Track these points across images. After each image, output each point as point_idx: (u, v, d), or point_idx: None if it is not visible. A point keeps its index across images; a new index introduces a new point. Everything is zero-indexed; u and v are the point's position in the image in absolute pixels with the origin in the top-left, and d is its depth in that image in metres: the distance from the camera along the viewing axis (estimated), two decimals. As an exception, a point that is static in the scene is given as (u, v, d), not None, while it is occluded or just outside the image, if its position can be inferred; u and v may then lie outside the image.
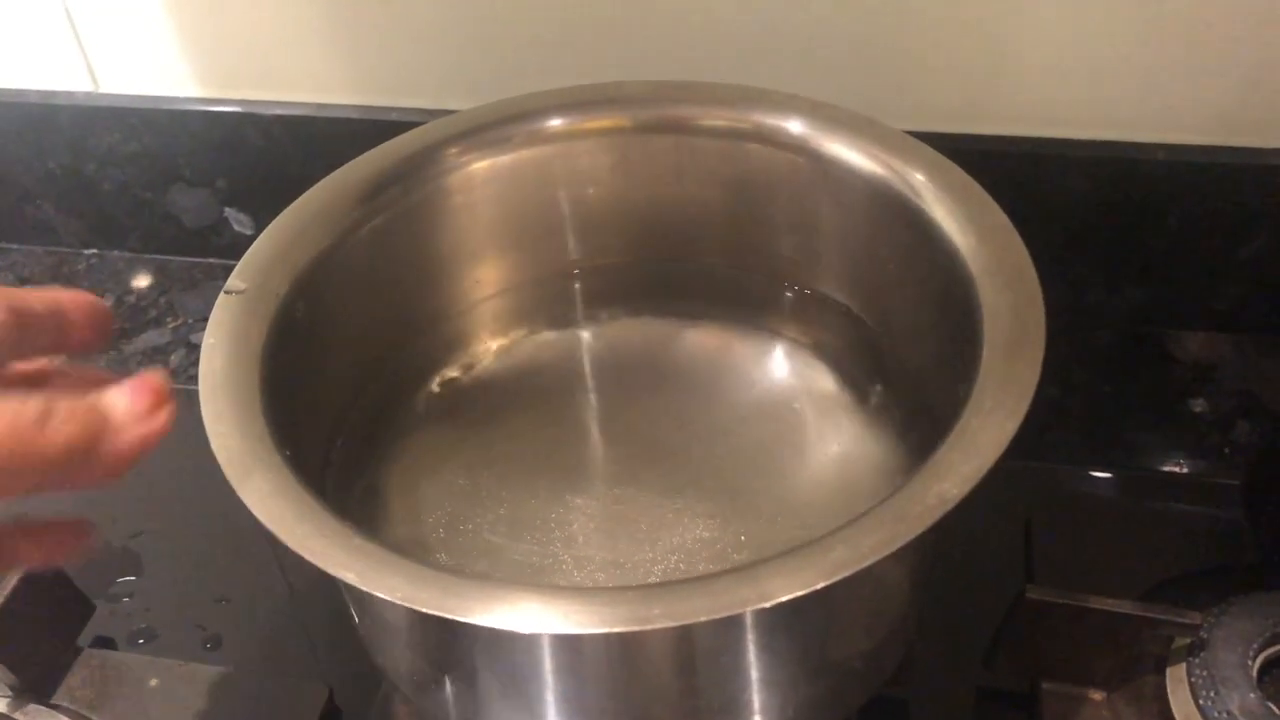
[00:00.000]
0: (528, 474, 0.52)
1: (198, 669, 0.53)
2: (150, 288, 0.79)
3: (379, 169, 0.52)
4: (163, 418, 0.33)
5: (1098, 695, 0.49)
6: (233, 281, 0.47)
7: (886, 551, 0.34)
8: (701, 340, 0.57)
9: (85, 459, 0.31)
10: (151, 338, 0.75)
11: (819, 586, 0.33)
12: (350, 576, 0.35)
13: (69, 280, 0.79)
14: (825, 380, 0.55)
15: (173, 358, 0.73)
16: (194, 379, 0.43)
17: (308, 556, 0.36)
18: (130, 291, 0.79)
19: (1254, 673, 0.46)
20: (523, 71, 0.65)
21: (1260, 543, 0.55)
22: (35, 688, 0.52)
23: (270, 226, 0.49)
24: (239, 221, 0.77)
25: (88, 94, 0.74)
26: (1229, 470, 0.60)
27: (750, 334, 0.57)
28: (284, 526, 0.37)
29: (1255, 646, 0.46)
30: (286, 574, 0.59)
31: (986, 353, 0.40)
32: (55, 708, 0.52)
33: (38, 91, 0.74)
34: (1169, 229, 0.64)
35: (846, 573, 0.33)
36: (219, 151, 0.73)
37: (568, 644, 0.38)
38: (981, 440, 0.37)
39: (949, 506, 0.35)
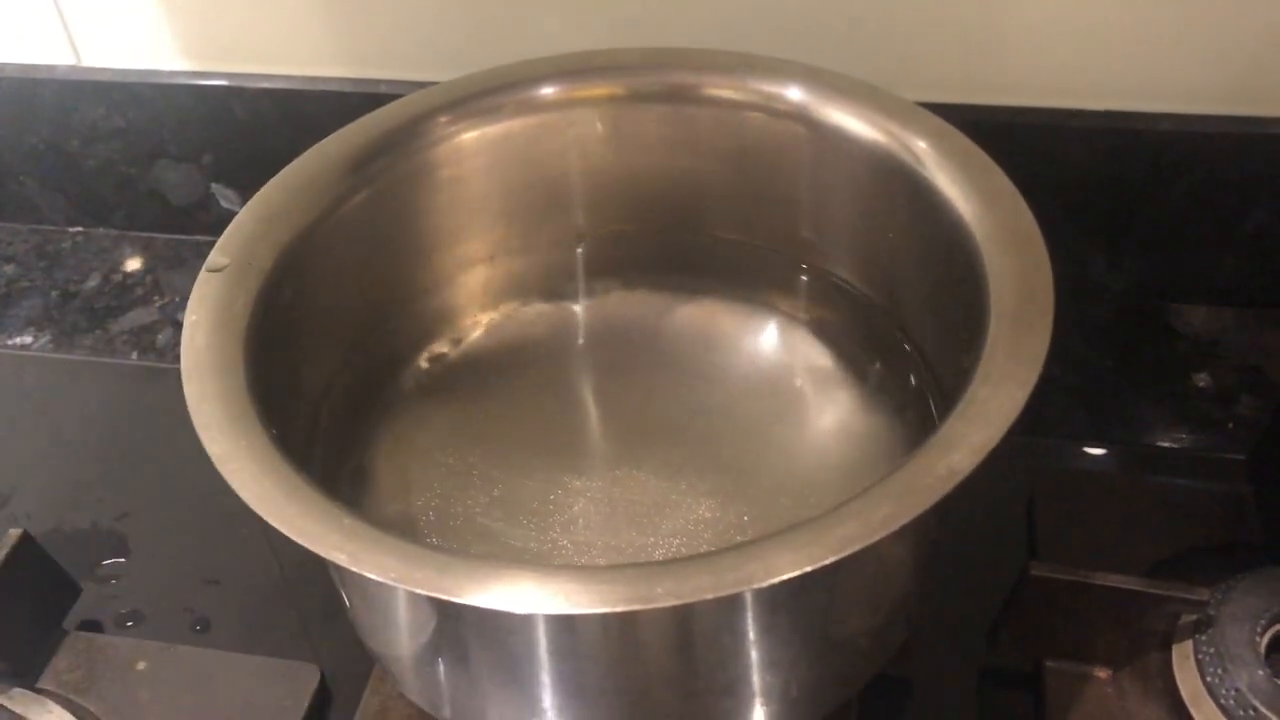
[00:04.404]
0: (521, 453, 0.51)
1: (186, 652, 0.53)
2: (137, 266, 0.78)
3: (365, 140, 0.51)
4: None
5: (1103, 673, 0.49)
6: (214, 257, 0.46)
7: (896, 525, 0.33)
8: (698, 315, 0.57)
9: None
10: (138, 316, 0.74)
11: (827, 562, 0.32)
12: (342, 558, 0.34)
13: (54, 259, 0.78)
14: (825, 355, 0.54)
15: (159, 337, 0.72)
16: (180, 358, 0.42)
17: (297, 538, 0.35)
18: (116, 270, 0.77)
19: (1262, 649, 0.45)
20: (514, 40, 0.64)
21: (1266, 518, 0.55)
22: (21, 672, 0.52)
23: (253, 200, 0.48)
24: (226, 198, 0.76)
25: (70, 68, 0.73)
26: (1233, 445, 0.59)
27: (748, 309, 0.57)
28: (272, 507, 0.36)
29: (1263, 623, 0.46)
30: (277, 555, 0.58)
31: (993, 322, 0.40)
32: (41, 692, 0.51)
33: (18, 66, 0.73)
34: (1172, 201, 0.63)
35: (855, 548, 0.33)
36: (205, 126, 0.72)
37: (566, 625, 0.37)
38: (991, 410, 0.36)
39: (959, 479, 0.34)
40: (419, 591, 0.34)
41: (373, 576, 0.34)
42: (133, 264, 0.78)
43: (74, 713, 0.50)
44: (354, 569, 0.34)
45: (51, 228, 0.81)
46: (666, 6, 0.62)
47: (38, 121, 0.74)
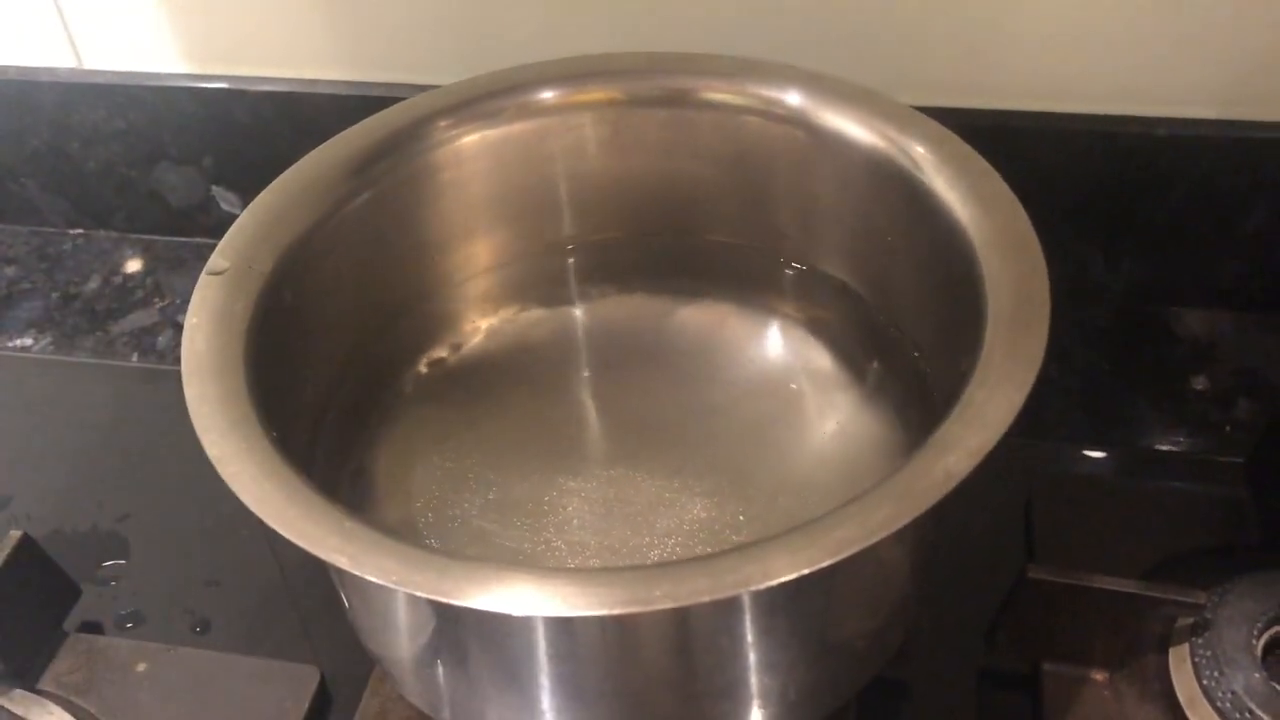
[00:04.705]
0: (518, 456, 0.51)
1: (187, 653, 0.53)
2: (137, 268, 0.78)
3: (366, 144, 0.52)
4: None
5: (1099, 675, 0.49)
6: (215, 260, 0.46)
7: (893, 528, 0.33)
8: (696, 317, 0.57)
9: None
10: (139, 318, 0.74)
11: (824, 565, 0.32)
12: (343, 561, 0.34)
13: (55, 261, 0.78)
14: (823, 357, 0.54)
15: (160, 339, 0.72)
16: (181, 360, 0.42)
17: (298, 541, 0.35)
18: (117, 272, 0.78)
19: (1258, 652, 0.45)
20: (514, 44, 0.64)
21: (1264, 521, 0.55)
22: (21, 673, 0.52)
23: (253, 203, 0.49)
24: (226, 200, 0.76)
25: (71, 70, 0.73)
26: (1231, 448, 0.59)
27: (746, 311, 0.57)
28: (272, 510, 0.36)
29: (1260, 626, 0.46)
30: (277, 557, 0.58)
31: (990, 325, 0.40)
32: (42, 693, 0.51)
33: (19, 68, 0.73)
34: (1170, 204, 0.63)
35: (852, 550, 0.33)
36: (205, 129, 0.72)
37: (564, 627, 0.37)
38: (988, 413, 0.36)
39: (956, 481, 0.34)
40: (419, 594, 0.34)
41: (373, 579, 0.34)
42: (133, 266, 0.78)
43: (74, 714, 0.50)
44: (355, 572, 0.34)
45: (52, 230, 0.81)
46: (666, 12, 0.62)
47: (39, 123, 0.75)
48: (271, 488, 0.37)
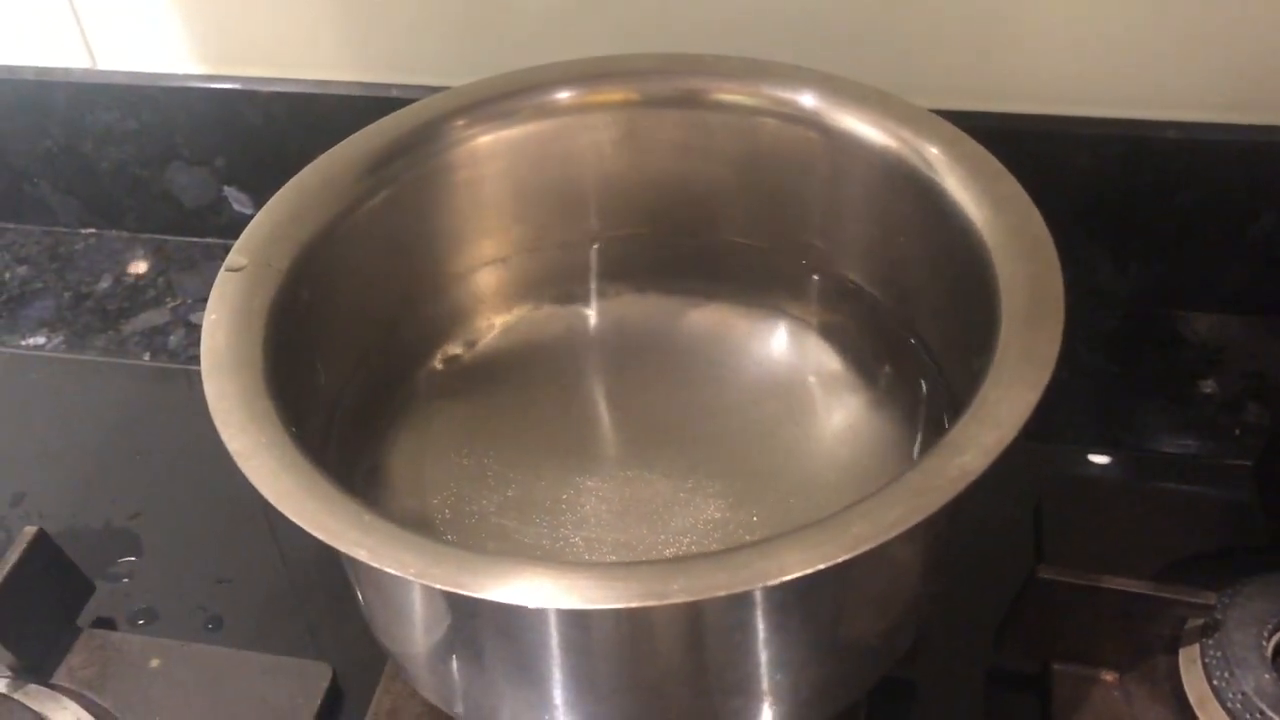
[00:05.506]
0: (534, 454, 0.51)
1: (199, 649, 0.53)
2: (149, 268, 0.78)
3: (383, 143, 0.52)
4: None
5: (1109, 676, 0.49)
6: (233, 257, 0.46)
7: (909, 524, 0.33)
8: (710, 318, 0.57)
9: None
10: (150, 318, 0.74)
11: (840, 560, 0.33)
12: (362, 553, 0.35)
13: (67, 260, 0.79)
14: (835, 359, 0.54)
15: (171, 338, 0.72)
16: (193, 359, 0.43)
17: (319, 535, 0.35)
18: (128, 272, 0.78)
19: (1268, 653, 0.45)
20: (526, 46, 0.64)
21: (1272, 524, 0.55)
22: (35, 668, 0.52)
23: (271, 201, 0.49)
24: (238, 200, 0.76)
25: (85, 71, 0.73)
26: (1240, 451, 0.59)
27: (759, 312, 0.57)
28: (293, 504, 0.36)
29: (1270, 627, 0.46)
30: (286, 554, 0.58)
31: (1004, 325, 0.40)
32: (55, 688, 0.52)
33: (34, 69, 0.73)
34: (1178, 208, 0.63)
35: (868, 546, 0.33)
36: (218, 130, 0.73)
37: (580, 620, 0.37)
38: (1002, 412, 0.36)
39: (971, 479, 0.34)
40: (438, 586, 0.34)
41: (393, 572, 0.34)
42: (145, 266, 0.78)
43: (88, 709, 0.50)
44: (375, 564, 0.34)
45: (64, 229, 0.81)
46: (676, 14, 0.62)
47: (52, 124, 0.75)
48: (291, 482, 0.37)
